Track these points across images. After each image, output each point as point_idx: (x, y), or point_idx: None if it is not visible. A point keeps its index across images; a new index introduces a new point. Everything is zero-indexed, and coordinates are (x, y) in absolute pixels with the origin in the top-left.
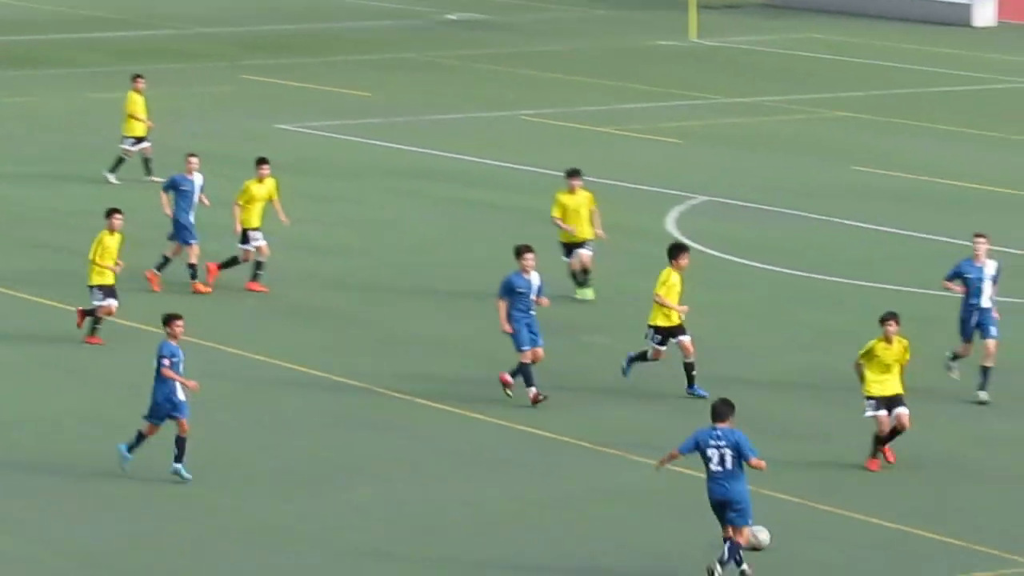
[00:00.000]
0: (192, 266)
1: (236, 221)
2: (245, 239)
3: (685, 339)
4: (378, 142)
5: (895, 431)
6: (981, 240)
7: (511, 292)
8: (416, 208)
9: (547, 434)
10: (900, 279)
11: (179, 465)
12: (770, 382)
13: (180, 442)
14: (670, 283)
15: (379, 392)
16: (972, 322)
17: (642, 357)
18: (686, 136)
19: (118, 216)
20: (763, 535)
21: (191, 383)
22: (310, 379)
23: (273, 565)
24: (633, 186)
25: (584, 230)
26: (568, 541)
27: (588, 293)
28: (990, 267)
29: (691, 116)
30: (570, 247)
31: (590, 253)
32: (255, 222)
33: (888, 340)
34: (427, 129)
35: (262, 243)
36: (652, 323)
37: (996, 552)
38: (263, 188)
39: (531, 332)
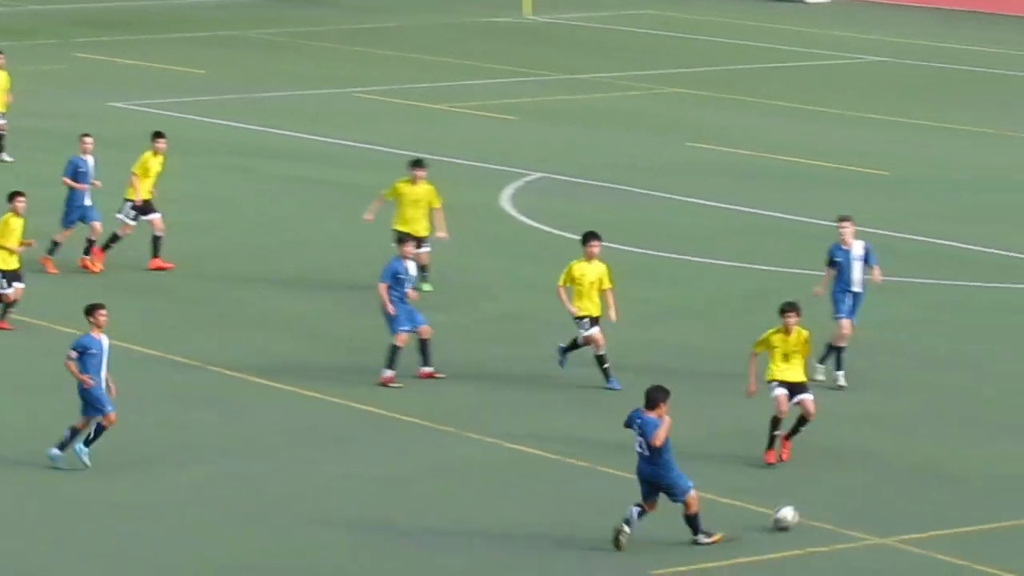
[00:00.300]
0: (91, 241)
1: (136, 191)
2: (146, 210)
3: (594, 331)
4: (212, 120)
5: (801, 420)
6: (845, 224)
7: (394, 277)
8: (251, 186)
9: (384, 412)
10: (736, 255)
11: (85, 447)
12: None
13: (99, 430)
14: (571, 273)
15: (216, 371)
16: (847, 304)
17: (573, 345)
18: (521, 113)
19: (21, 199)
20: (788, 514)
21: (84, 377)
22: (147, 358)
23: (110, 542)
24: (468, 163)
25: (421, 224)
26: (405, 517)
27: (426, 286)
28: (857, 248)
29: (526, 93)
30: (404, 237)
31: (427, 250)
32: (145, 196)
33: (787, 331)
34: (261, 107)
35: (133, 223)
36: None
37: (831, 527)
38: (158, 162)
39: (409, 315)
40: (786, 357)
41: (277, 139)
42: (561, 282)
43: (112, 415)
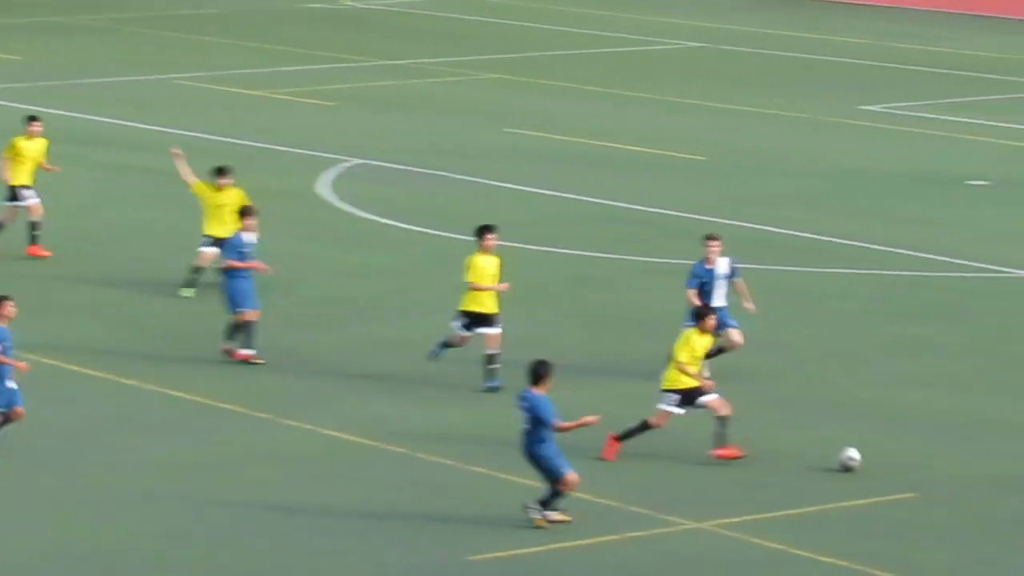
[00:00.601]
0: None
1: (5, 171)
2: (13, 196)
3: (492, 332)
4: (29, 106)
5: (721, 421)
6: (714, 244)
7: (238, 253)
8: (68, 173)
9: (202, 399)
10: (555, 240)
11: None
12: (414, 341)
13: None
14: (475, 267)
15: (33, 359)
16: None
17: (450, 343)
18: (340, 99)
19: None
20: (853, 454)
21: (20, 364)
22: None
23: None
24: (287, 149)
25: (231, 228)
26: (221, 504)
27: (190, 292)
28: (722, 266)
29: (345, 79)
30: (217, 241)
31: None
32: (24, 179)
33: (702, 333)
34: (79, 93)
35: (33, 201)
36: (461, 308)
37: (648, 512)
38: (32, 145)
39: (251, 294)
40: (695, 361)
41: (96, 126)
42: (475, 279)
43: (20, 409)
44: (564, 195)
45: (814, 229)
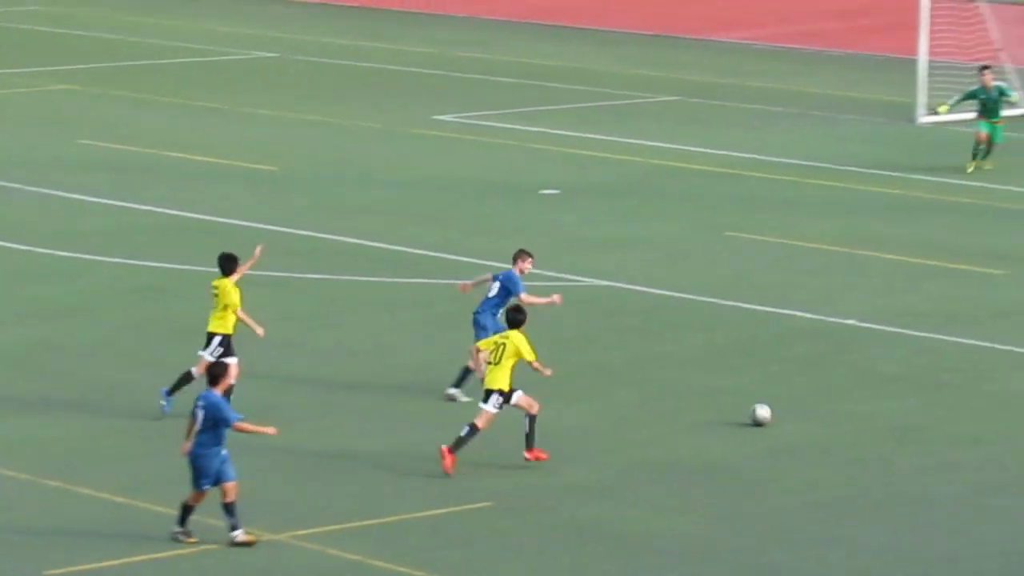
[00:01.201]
0: None
1: None
2: None
3: (231, 361)
4: None
5: (533, 420)
6: (531, 260)
7: None
8: None
9: None
10: (126, 251)
11: None
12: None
13: None
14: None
15: None
16: (490, 328)
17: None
18: None
19: None
20: (764, 411)
21: None
22: None
23: None
24: None
25: None
26: None
27: None
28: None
29: None
30: None
31: None
32: None
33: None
34: None
35: None
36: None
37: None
38: None
39: None
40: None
41: None
42: (236, 303)
43: None
44: (136, 206)
45: (388, 239)
